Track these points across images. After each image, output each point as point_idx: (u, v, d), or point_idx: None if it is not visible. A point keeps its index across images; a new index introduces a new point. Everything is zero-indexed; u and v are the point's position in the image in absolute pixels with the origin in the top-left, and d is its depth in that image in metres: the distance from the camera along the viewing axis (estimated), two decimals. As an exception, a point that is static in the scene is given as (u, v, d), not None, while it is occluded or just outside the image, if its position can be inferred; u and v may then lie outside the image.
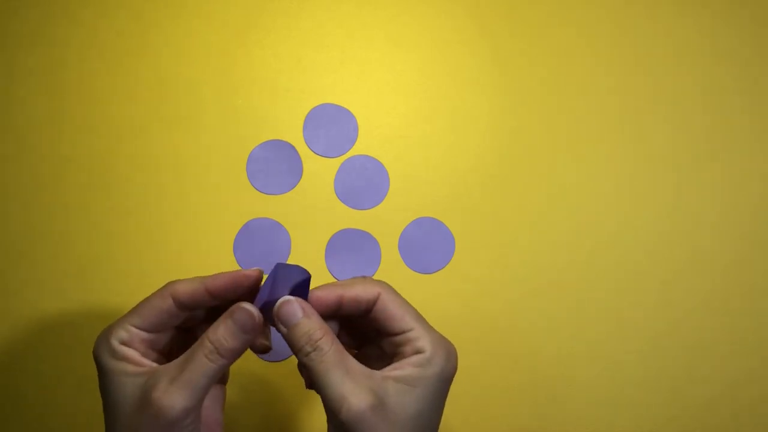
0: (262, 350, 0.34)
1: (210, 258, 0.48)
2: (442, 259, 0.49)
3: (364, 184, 0.50)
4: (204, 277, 0.33)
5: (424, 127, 0.51)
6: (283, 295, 0.32)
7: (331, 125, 0.50)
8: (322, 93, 0.51)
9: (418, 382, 0.31)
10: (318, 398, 0.31)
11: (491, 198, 0.50)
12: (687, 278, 0.50)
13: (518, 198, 0.50)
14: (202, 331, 0.32)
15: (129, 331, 0.32)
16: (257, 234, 0.49)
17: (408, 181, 0.50)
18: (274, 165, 0.50)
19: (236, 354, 0.31)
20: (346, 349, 0.33)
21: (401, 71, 0.51)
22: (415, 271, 0.49)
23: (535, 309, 0.49)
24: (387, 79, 0.51)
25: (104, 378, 0.31)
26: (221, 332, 0.31)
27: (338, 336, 0.35)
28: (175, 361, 0.31)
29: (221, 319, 0.31)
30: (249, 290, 0.33)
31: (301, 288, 0.32)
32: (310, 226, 0.49)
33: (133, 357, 0.31)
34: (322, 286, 0.34)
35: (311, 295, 0.33)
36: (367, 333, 0.35)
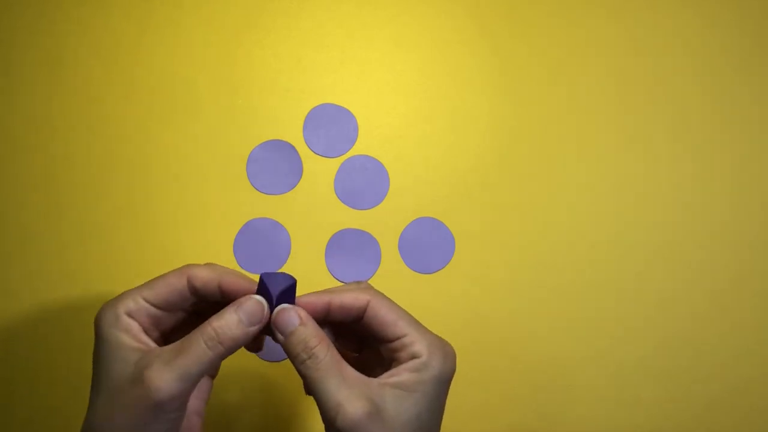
0: (257, 348, 0.35)
1: (210, 258, 0.48)
2: (442, 259, 0.49)
3: (364, 184, 0.50)
4: (222, 271, 0.33)
5: (424, 127, 0.51)
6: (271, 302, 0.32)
7: (331, 125, 0.50)
8: (322, 93, 0.51)
9: (415, 387, 0.31)
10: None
11: (491, 198, 0.50)
12: (688, 279, 0.50)
13: (518, 198, 0.50)
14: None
15: (137, 303, 0.32)
16: (257, 234, 0.49)
17: (408, 181, 0.50)
18: (274, 165, 0.50)
19: (237, 345, 0.31)
20: (347, 354, 0.33)
21: (401, 71, 0.51)
22: (415, 271, 0.49)
23: (536, 309, 0.49)
24: (387, 79, 0.51)
25: (100, 346, 0.31)
26: (226, 320, 0.31)
27: (338, 342, 0.35)
28: (172, 344, 0.31)
29: (228, 308, 0.31)
30: None
31: (288, 294, 0.33)
32: (310, 226, 0.49)
33: (134, 330, 0.31)
34: (311, 293, 0.34)
35: (299, 301, 0.33)
36: (365, 338, 0.35)
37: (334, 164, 0.50)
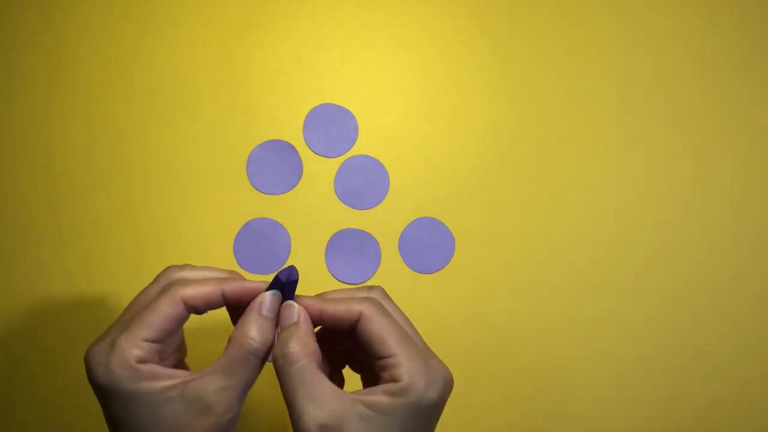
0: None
1: (210, 258, 0.48)
2: (442, 259, 0.49)
3: (364, 184, 0.50)
4: (216, 280, 0.32)
5: (424, 127, 0.51)
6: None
7: (331, 125, 0.50)
8: (322, 93, 0.51)
9: (387, 410, 0.29)
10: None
11: (491, 198, 0.50)
12: (688, 279, 0.50)
13: (518, 198, 0.50)
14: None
15: (143, 348, 0.30)
16: (257, 234, 0.49)
17: (408, 181, 0.50)
18: (274, 165, 0.50)
19: (273, 343, 0.32)
20: (361, 362, 0.33)
21: (401, 71, 0.51)
22: (415, 271, 0.49)
23: (536, 309, 0.49)
24: (387, 79, 0.51)
25: (130, 402, 0.29)
26: (263, 329, 0.31)
27: (354, 349, 0.35)
28: (215, 365, 0.30)
29: (255, 315, 0.31)
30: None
31: (289, 288, 0.33)
32: (310, 226, 0.49)
33: (157, 371, 0.30)
34: (311, 297, 0.33)
35: (298, 301, 0.33)
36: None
37: (334, 164, 0.50)
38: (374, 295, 0.33)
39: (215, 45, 0.51)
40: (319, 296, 0.34)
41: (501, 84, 0.51)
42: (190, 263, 0.34)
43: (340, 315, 0.32)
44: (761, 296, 0.50)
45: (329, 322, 0.32)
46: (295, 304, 0.32)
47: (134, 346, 0.30)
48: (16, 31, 0.50)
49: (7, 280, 0.48)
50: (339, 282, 0.49)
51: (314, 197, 0.50)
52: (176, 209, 0.49)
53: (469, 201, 0.50)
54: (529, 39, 0.52)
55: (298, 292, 0.33)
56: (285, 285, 0.32)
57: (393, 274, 0.49)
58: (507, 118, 0.51)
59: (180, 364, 0.34)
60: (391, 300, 0.34)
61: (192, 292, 0.31)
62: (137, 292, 0.33)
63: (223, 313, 0.34)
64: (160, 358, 0.31)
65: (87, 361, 0.30)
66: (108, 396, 0.30)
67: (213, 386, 0.30)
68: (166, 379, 0.30)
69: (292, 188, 0.50)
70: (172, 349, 0.33)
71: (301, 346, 0.30)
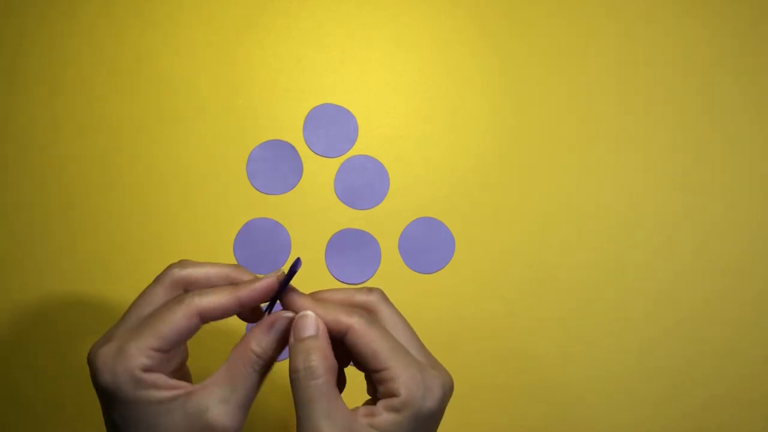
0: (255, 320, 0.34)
1: (210, 258, 0.48)
2: (442, 259, 0.49)
3: (364, 184, 0.50)
4: (231, 289, 0.32)
5: (424, 127, 0.51)
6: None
7: (331, 125, 0.50)
8: (322, 93, 0.51)
9: (392, 427, 0.29)
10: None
11: (491, 198, 0.50)
12: (687, 278, 0.50)
13: (518, 198, 0.50)
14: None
15: (151, 357, 0.29)
16: (257, 234, 0.49)
17: (408, 181, 0.50)
18: (274, 165, 0.50)
19: (276, 360, 0.32)
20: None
21: (401, 71, 0.51)
22: (415, 271, 0.49)
23: (535, 309, 0.49)
24: (387, 79, 0.51)
25: (131, 409, 0.29)
26: (267, 344, 0.31)
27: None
28: (217, 377, 0.30)
29: (262, 329, 0.31)
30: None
31: (289, 275, 0.32)
32: (310, 226, 0.49)
33: (161, 381, 0.29)
34: (309, 295, 0.33)
35: (291, 298, 0.32)
36: None
37: (334, 164, 0.50)
38: (372, 298, 0.33)
39: (215, 45, 0.51)
40: (315, 296, 0.33)
41: (501, 84, 0.51)
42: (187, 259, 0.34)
43: (329, 325, 0.31)
44: (762, 297, 0.50)
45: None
46: (312, 314, 0.31)
47: (143, 355, 0.29)
48: (20, 31, 0.50)
49: (7, 280, 0.48)
50: (339, 282, 0.49)
51: (314, 197, 0.50)
52: (176, 209, 0.49)
53: (469, 201, 0.50)
54: (529, 39, 0.52)
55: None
56: (290, 275, 0.32)
57: (393, 274, 0.49)
58: (507, 118, 0.51)
59: (181, 366, 0.34)
60: (390, 303, 0.33)
61: (209, 305, 0.31)
62: (137, 292, 0.32)
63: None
64: (165, 367, 0.31)
65: (92, 361, 0.30)
66: (110, 400, 0.30)
67: (214, 399, 0.29)
68: (168, 390, 0.29)
69: (292, 188, 0.50)
70: (176, 354, 0.33)
71: (323, 360, 0.30)
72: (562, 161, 0.51)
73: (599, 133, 0.51)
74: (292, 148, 0.50)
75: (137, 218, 0.49)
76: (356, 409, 0.31)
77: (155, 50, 0.51)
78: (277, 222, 0.49)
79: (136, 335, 0.30)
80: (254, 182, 0.50)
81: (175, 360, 0.32)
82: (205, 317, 0.31)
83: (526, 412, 0.48)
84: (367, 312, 0.32)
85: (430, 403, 0.30)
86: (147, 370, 0.29)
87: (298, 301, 0.32)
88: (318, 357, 0.30)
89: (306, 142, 0.50)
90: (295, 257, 0.32)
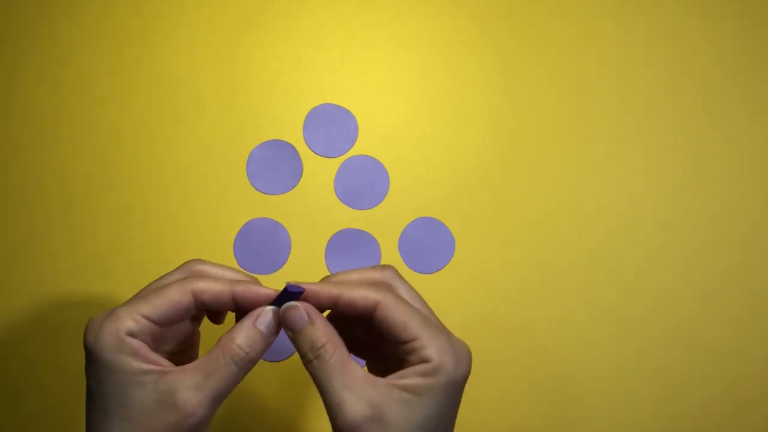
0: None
1: (210, 258, 0.48)
2: (442, 259, 0.49)
3: (364, 184, 0.50)
4: (230, 281, 0.32)
5: (424, 127, 0.51)
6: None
7: (331, 125, 0.50)
8: (322, 93, 0.51)
9: (424, 391, 0.30)
10: (319, 397, 0.31)
11: (491, 198, 0.50)
12: (687, 278, 0.50)
13: (518, 198, 0.50)
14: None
15: (139, 322, 0.30)
16: (257, 234, 0.49)
17: (408, 181, 0.50)
18: (274, 165, 0.50)
19: (261, 357, 0.31)
20: (369, 345, 0.33)
21: (401, 71, 0.51)
22: (415, 271, 0.49)
23: (535, 309, 0.49)
24: (387, 79, 0.51)
25: (105, 371, 0.29)
26: (251, 337, 0.31)
27: (356, 331, 0.35)
28: (194, 364, 0.30)
29: (248, 323, 0.31)
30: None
31: (294, 299, 0.32)
32: (310, 226, 0.49)
33: (143, 351, 0.30)
34: (322, 281, 0.33)
35: (308, 287, 0.32)
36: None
37: (334, 164, 0.50)
38: (387, 275, 0.33)
39: (215, 45, 0.51)
40: (329, 280, 0.33)
41: (501, 84, 0.51)
42: (190, 265, 0.34)
43: (356, 302, 0.31)
44: (761, 296, 0.50)
45: (345, 309, 0.32)
46: (299, 303, 0.31)
47: (129, 318, 0.30)
48: (20, 31, 0.50)
49: (7, 280, 0.48)
50: (339, 282, 0.49)
51: (314, 197, 0.50)
52: (176, 209, 0.49)
53: (469, 201, 0.50)
54: (529, 39, 0.52)
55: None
56: (292, 296, 0.32)
57: (393, 274, 0.49)
58: (507, 118, 0.51)
59: (182, 355, 0.34)
60: (403, 279, 0.34)
61: (203, 286, 0.31)
62: (136, 291, 0.33)
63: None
64: (155, 343, 0.31)
65: (86, 326, 0.30)
66: (90, 361, 0.30)
67: (187, 383, 0.29)
68: (147, 363, 0.30)
69: (292, 188, 0.50)
70: (174, 343, 0.33)
71: (328, 340, 0.30)
72: (562, 161, 0.51)
73: (599, 133, 0.51)
74: (292, 148, 0.50)
75: (137, 218, 0.49)
76: (387, 377, 0.31)
77: (155, 50, 0.51)
78: (277, 222, 0.49)
79: (128, 302, 0.31)
80: (254, 182, 0.50)
81: (170, 342, 0.33)
82: (199, 298, 0.31)
83: (526, 412, 0.48)
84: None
85: (461, 369, 0.31)
86: (131, 334, 0.30)
87: (316, 286, 0.32)
88: (323, 340, 0.30)
89: (306, 142, 0.50)
90: (300, 283, 0.32)
